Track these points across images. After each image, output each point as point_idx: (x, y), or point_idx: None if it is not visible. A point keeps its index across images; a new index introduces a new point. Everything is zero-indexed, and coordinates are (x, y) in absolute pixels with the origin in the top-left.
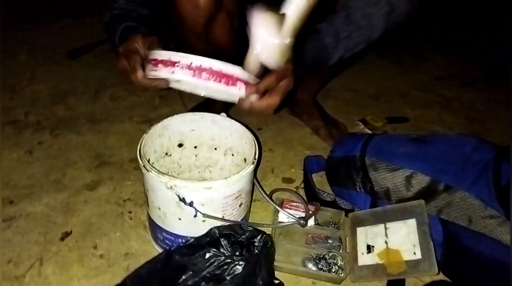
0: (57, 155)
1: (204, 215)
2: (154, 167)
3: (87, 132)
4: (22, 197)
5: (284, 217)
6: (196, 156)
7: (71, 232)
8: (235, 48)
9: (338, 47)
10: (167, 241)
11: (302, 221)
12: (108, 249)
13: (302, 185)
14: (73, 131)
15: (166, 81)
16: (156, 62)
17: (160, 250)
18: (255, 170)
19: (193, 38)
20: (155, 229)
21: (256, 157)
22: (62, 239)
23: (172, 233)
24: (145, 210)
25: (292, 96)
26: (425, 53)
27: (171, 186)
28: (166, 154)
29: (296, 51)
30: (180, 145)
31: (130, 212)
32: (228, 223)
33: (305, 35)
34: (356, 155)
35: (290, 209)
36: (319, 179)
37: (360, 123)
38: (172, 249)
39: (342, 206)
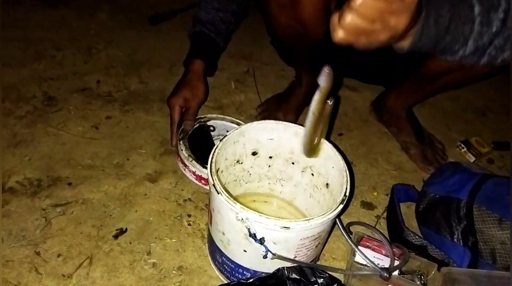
0: (123, 134)
1: (275, 255)
2: (226, 190)
3: (157, 112)
4: (82, 180)
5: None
6: (269, 166)
7: (126, 230)
8: (323, 34)
9: (487, 30)
10: (225, 267)
11: (385, 274)
12: (161, 257)
13: (385, 215)
14: (143, 109)
15: None
16: None
17: (216, 271)
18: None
19: (276, 8)
20: (214, 250)
21: (347, 194)
22: (116, 236)
23: (234, 262)
24: (206, 217)
25: (381, 101)
26: None
27: (242, 218)
28: (238, 161)
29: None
30: (254, 154)
31: (189, 216)
32: (300, 264)
33: None
34: (462, 200)
35: (370, 248)
36: (406, 210)
37: (463, 146)
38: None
39: (434, 255)
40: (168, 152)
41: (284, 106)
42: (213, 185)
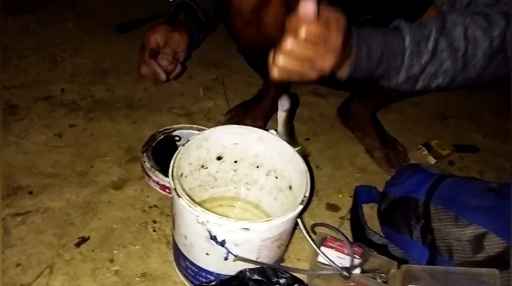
0: (87, 142)
1: (237, 256)
2: (187, 194)
3: (122, 119)
4: (43, 188)
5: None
6: (235, 171)
7: (88, 237)
8: None
9: (417, 61)
10: (189, 271)
11: (344, 273)
12: (125, 264)
13: (349, 216)
14: (108, 116)
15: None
16: None
17: (180, 276)
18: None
19: (239, 23)
20: (178, 254)
21: (307, 194)
22: (78, 244)
23: (197, 265)
24: (171, 222)
25: (346, 106)
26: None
27: (202, 221)
28: (202, 166)
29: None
30: (219, 158)
31: (154, 222)
32: (262, 266)
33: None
34: (420, 199)
35: (333, 249)
36: (369, 211)
37: (424, 148)
38: None
39: (394, 253)
40: (134, 159)
41: (252, 113)
42: (174, 189)
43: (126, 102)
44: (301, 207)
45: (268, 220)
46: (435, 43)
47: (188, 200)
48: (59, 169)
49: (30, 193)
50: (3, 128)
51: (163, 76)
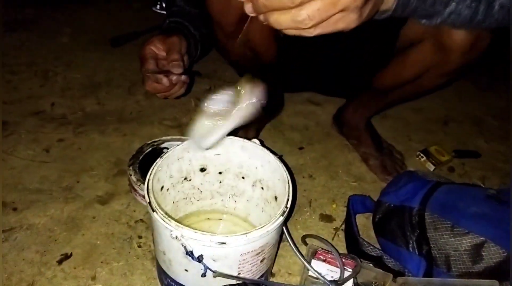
0: (75, 156)
1: (215, 272)
2: (161, 208)
3: (112, 133)
4: (28, 204)
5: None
6: (220, 182)
7: (71, 254)
8: (276, 57)
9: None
10: None
11: None
12: (107, 282)
13: (343, 227)
14: (97, 130)
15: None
16: None
17: None
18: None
19: (223, 37)
20: (160, 271)
21: (288, 205)
22: (60, 262)
23: (178, 283)
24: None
25: (341, 114)
26: (508, 74)
27: (176, 236)
28: (185, 178)
29: None
30: (203, 170)
31: (140, 238)
32: (245, 281)
33: None
34: (414, 208)
35: (325, 261)
36: (364, 221)
37: (422, 155)
38: None
39: (390, 265)
40: (122, 172)
41: (244, 124)
42: (149, 203)
43: (116, 115)
44: (281, 218)
45: (245, 233)
46: None
47: (162, 214)
48: (45, 184)
49: (14, 209)
50: None
51: (177, 89)
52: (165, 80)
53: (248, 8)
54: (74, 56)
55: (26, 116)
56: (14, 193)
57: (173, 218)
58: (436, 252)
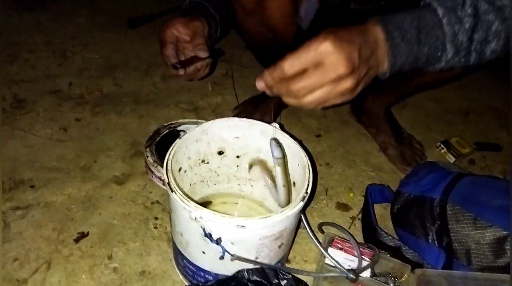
0: (92, 136)
1: (234, 256)
2: (181, 189)
3: (129, 113)
4: (45, 182)
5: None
6: (237, 166)
7: (87, 233)
8: (293, 37)
9: (460, 28)
10: (188, 270)
11: (351, 276)
12: (123, 262)
13: (360, 216)
14: (114, 111)
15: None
16: None
17: (180, 275)
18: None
19: (243, 16)
20: (176, 253)
21: (309, 191)
22: (77, 240)
23: (194, 264)
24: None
25: (359, 102)
26: None
27: (195, 218)
28: (203, 161)
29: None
30: (221, 153)
31: (156, 219)
32: (262, 266)
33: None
34: (436, 199)
35: (342, 250)
36: (382, 211)
37: (443, 146)
38: None
39: (409, 256)
40: (139, 154)
41: (261, 108)
42: (168, 183)
43: (133, 97)
44: (301, 204)
45: (265, 217)
46: (474, 7)
47: (181, 195)
48: (63, 163)
49: (32, 187)
50: (9, 122)
51: (202, 72)
52: (192, 68)
53: None
54: (91, 37)
55: (43, 95)
56: (32, 171)
57: (192, 199)
58: (456, 244)
